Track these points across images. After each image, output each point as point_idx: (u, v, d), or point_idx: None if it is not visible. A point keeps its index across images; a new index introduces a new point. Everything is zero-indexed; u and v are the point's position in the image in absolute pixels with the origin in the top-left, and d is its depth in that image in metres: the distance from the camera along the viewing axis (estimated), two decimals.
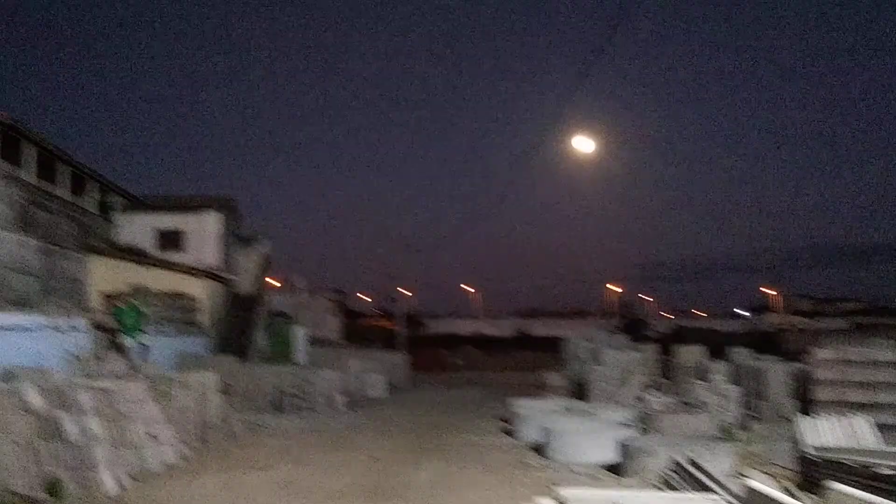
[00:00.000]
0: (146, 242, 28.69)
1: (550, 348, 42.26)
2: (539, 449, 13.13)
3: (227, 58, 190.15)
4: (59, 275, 23.18)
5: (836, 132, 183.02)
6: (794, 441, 10.56)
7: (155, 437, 12.19)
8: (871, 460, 8.55)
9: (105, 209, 28.56)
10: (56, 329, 14.91)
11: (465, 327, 78.96)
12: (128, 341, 17.63)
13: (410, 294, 60.42)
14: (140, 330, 17.95)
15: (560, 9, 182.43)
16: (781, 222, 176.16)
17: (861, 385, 15.77)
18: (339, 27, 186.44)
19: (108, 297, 23.00)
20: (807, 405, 16.31)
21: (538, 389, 24.67)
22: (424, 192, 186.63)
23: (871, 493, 6.52)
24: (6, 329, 13.28)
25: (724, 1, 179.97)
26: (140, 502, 9.64)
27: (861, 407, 13.97)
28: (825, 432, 10.19)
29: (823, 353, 16.66)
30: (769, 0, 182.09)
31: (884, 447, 9.76)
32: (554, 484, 9.60)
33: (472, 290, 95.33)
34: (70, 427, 10.18)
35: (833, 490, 6.56)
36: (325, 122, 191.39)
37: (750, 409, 18.03)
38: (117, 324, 17.89)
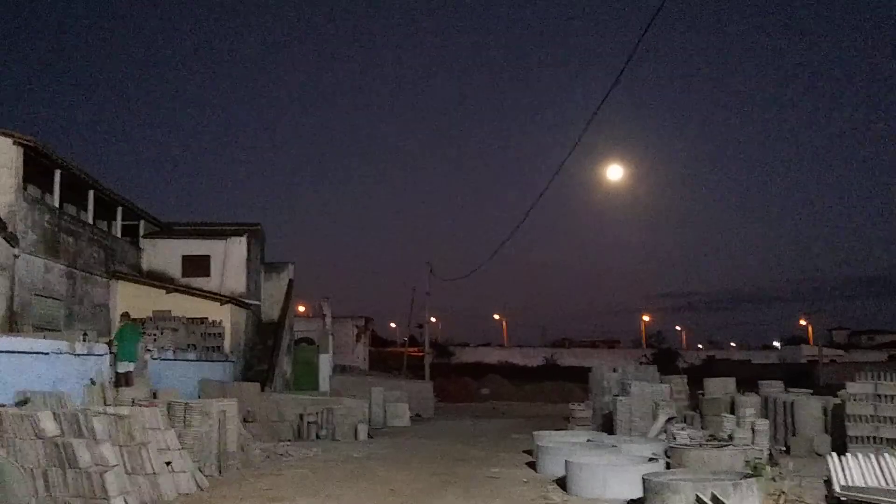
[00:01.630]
0: (172, 268, 28.79)
1: (579, 378, 41.83)
2: (563, 483, 12.81)
3: (257, 84, 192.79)
4: (84, 300, 23.29)
5: (873, 161, 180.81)
6: (825, 479, 10.18)
7: (170, 464, 12.04)
8: None
9: (131, 235, 28.70)
10: (75, 354, 14.83)
11: (492, 356, 78.53)
12: (121, 366, 16.92)
13: (438, 322, 60.21)
14: (125, 351, 17.06)
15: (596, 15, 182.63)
16: (820, 253, 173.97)
17: None
18: (365, 53, 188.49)
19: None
20: (840, 441, 15.82)
21: (565, 421, 24.29)
22: (456, 221, 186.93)
23: None
24: (24, 353, 13.20)
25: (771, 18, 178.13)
26: None
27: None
28: (856, 470, 9.80)
29: (857, 387, 16.19)
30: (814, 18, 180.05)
31: None
32: None
33: (501, 319, 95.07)
34: (83, 454, 10.06)
35: None
36: (353, 147, 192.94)
37: (781, 443, 17.56)
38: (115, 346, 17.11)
